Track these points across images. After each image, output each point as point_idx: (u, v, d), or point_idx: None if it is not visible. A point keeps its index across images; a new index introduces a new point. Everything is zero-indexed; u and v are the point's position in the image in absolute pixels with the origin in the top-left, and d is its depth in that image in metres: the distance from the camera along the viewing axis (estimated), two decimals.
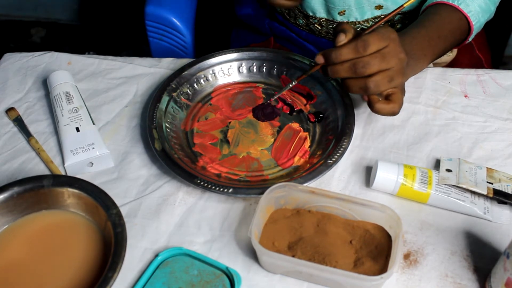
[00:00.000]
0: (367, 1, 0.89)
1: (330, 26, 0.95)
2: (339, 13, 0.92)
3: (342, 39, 0.68)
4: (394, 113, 0.71)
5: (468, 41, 0.85)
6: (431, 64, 0.90)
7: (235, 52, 0.85)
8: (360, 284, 0.59)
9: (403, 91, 0.72)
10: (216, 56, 0.85)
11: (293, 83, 0.79)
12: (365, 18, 0.92)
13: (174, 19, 1.06)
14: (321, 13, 0.94)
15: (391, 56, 0.67)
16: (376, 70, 0.67)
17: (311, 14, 0.95)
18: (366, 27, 0.93)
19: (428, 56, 0.80)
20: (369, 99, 0.71)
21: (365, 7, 0.90)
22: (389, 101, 0.70)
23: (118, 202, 0.63)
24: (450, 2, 0.82)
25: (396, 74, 0.68)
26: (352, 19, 0.92)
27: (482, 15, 0.83)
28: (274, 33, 1.04)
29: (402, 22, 0.95)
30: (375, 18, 0.93)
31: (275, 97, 0.81)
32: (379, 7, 0.91)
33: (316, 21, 0.96)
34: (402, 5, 0.69)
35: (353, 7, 0.90)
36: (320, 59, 0.71)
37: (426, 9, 0.84)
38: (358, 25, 0.93)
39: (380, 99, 0.71)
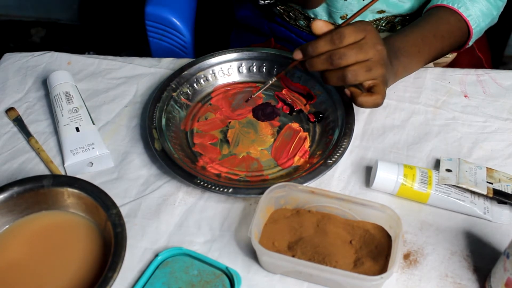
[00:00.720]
0: (369, 8, 0.90)
1: None
2: (340, 17, 0.92)
3: (320, 24, 0.68)
4: (377, 105, 0.71)
5: (468, 45, 0.85)
6: (431, 64, 0.91)
7: (235, 52, 0.85)
8: (360, 284, 0.59)
9: (384, 83, 0.72)
10: (216, 56, 0.85)
11: (273, 79, 0.80)
12: (367, 20, 0.92)
13: (174, 19, 1.06)
14: (322, 16, 0.94)
15: (368, 47, 0.67)
16: (353, 61, 0.67)
17: (312, 16, 0.95)
18: None
19: (423, 54, 0.79)
20: (351, 93, 0.71)
21: (367, 11, 0.91)
22: (371, 93, 0.70)
23: (118, 202, 0.63)
24: (450, 5, 0.82)
25: (374, 64, 0.68)
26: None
27: (483, 19, 0.83)
28: (274, 34, 1.04)
29: (402, 24, 0.95)
30: (376, 20, 0.93)
31: (256, 94, 0.81)
32: (381, 11, 0.91)
33: None
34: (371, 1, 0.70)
35: (355, 11, 0.90)
36: (298, 54, 0.71)
37: (426, 12, 0.84)
38: None
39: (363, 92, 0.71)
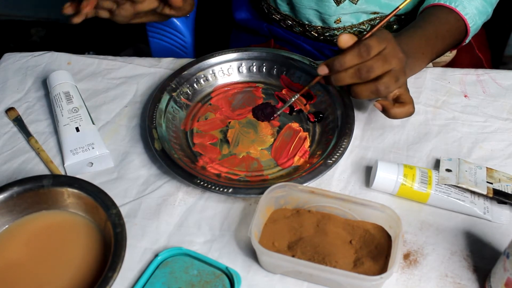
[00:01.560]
0: (363, 10, 0.90)
1: (327, 34, 0.96)
2: (334, 22, 0.92)
3: (346, 38, 0.68)
4: (411, 113, 0.72)
5: (465, 43, 0.85)
6: (431, 64, 0.91)
7: (235, 52, 0.85)
8: (360, 284, 0.59)
9: (407, 89, 0.72)
10: (216, 56, 0.85)
11: (296, 96, 0.79)
12: (361, 21, 0.92)
13: (174, 19, 1.05)
14: (316, 22, 0.94)
15: (391, 57, 0.67)
16: (380, 72, 0.67)
17: (306, 23, 0.96)
18: (362, 29, 0.94)
19: (427, 55, 0.80)
20: (383, 107, 0.71)
21: (360, 13, 0.91)
22: (402, 104, 0.71)
23: (118, 202, 0.63)
24: (447, 4, 0.82)
25: (399, 73, 0.68)
26: (348, 24, 0.93)
27: (479, 17, 0.84)
28: (273, 35, 1.04)
29: (398, 24, 0.95)
30: (370, 20, 0.93)
31: (279, 112, 0.80)
32: (374, 12, 0.92)
33: (312, 29, 0.96)
34: (398, 7, 0.70)
35: (348, 15, 0.91)
36: (323, 69, 0.70)
37: (423, 11, 0.84)
38: (354, 28, 0.94)
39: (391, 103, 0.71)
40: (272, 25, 1.03)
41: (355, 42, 0.68)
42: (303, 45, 1.00)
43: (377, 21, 0.93)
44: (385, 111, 0.71)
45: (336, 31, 0.95)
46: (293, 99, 0.79)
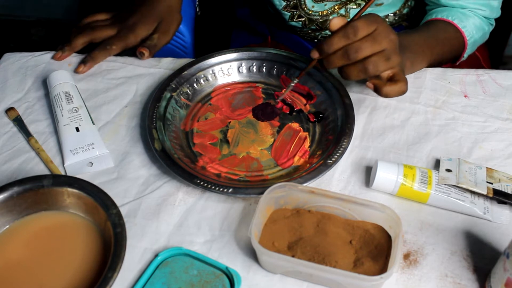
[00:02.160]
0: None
1: (320, 37, 0.98)
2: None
3: (336, 21, 0.68)
4: (403, 92, 0.71)
5: (463, 57, 0.88)
6: None
7: (235, 52, 0.85)
8: (360, 284, 0.59)
9: (402, 70, 0.72)
10: (216, 56, 0.85)
11: (294, 81, 0.79)
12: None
13: None
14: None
15: (382, 38, 0.67)
16: (369, 52, 0.67)
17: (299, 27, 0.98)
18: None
19: (426, 55, 0.81)
20: (375, 86, 0.71)
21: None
22: (395, 82, 0.70)
23: (118, 202, 0.63)
24: (445, 17, 0.86)
25: (391, 53, 0.68)
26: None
27: (476, 31, 0.87)
28: (271, 32, 1.04)
29: (397, 23, 0.97)
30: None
31: (281, 97, 0.81)
32: (379, 4, 0.93)
33: (308, 28, 0.99)
34: None
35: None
36: (315, 53, 0.71)
37: (423, 24, 0.88)
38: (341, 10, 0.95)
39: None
40: (271, 21, 1.04)
41: (344, 25, 0.68)
42: (301, 41, 1.01)
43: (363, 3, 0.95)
44: (376, 90, 0.71)
45: (328, 31, 0.96)
46: (292, 85, 0.79)
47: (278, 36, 1.05)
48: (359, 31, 0.66)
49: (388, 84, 0.70)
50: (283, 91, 0.82)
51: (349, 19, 0.74)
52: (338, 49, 0.67)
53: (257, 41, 1.08)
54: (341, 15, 0.94)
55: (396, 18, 0.97)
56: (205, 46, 1.11)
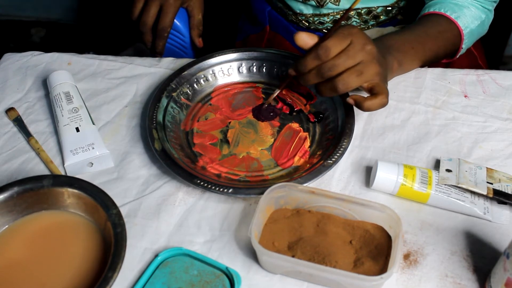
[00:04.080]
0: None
1: (316, 20, 0.98)
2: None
3: (303, 37, 0.69)
4: (384, 104, 0.70)
5: (462, 50, 0.86)
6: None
7: (235, 52, 0.85)
8: (360, 284, 0.59)
9: (383, 80, 0.71)
10: (216, 56, 0.85)
11: (276, 92, 0.80)
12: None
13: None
14: (308, 11, 0.97)
15: (355, 51, 0.67)
16: (342, 69, 0.67)
17: (298, 11, 0.98)
18: (351, 16, 0.96)
19: (418, 51, 0.80)
20: (355, 102, 0.71)
21: (345, 1, 0.93)
22: (374, 95, 0.70)
23: (118, 202, 0.63)
24: (437, 11, 0.84)
25: (366, 66, 0.68)
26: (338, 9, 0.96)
27: (471, 21, 0.85)
28: (271, 21, 1.05)
29: (386, 14, 0.97)
30: (356, 8, 0.95)
31: (266, 104, 0.81)
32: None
33: (303, 17, 0.99)
34: (354, 2, 0.70)
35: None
36: (291, 71, 0.73)
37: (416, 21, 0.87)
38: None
39: (366, 96, 0.71)
40: (273, 10, 1.05)
41: (317, 42, 0.68)
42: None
43: (364, 10, 0.95)
44: (358, 105, 0.71)
45: (326, 17, 0.96)
46: (275, 94, 0.80)
47: (276, 26, 1.05)
48: (331, 51, 0.66)
49: (368, 99, 0.70)
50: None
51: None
52: (312, 69, 0.68)
53: (257, 31, 1.08)
54: None
55: (394, 12, 0.97)
56: (205, 46, 1.11)
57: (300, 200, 0.66)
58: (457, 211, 0.67)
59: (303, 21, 0.99)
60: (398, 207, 0.68)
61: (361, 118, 0.79)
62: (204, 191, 0.71)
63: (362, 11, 0.95)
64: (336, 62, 0.67)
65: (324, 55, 0.66)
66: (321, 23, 0.98)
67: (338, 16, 0.96)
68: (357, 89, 0.72)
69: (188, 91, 0.83)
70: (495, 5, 0.89)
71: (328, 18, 0.96)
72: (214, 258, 0.64)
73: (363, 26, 0.97)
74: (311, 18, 0.98)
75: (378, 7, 0.95)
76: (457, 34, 0.84)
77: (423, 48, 0.81)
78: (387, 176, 0.68)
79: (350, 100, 0.72)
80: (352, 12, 0.95)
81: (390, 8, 0.96)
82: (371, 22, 0.97)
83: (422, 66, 0.84)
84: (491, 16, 0.89)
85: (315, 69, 0.68)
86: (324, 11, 0.95)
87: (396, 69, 0.78)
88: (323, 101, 0.80)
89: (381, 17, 0.97)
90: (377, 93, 0.69)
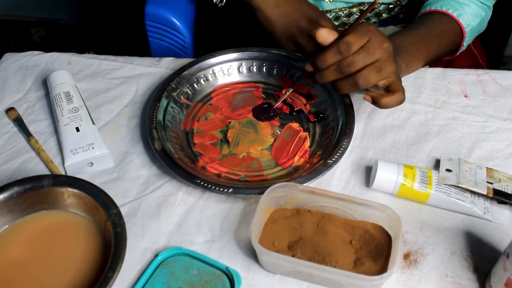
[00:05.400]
0: None
1: None
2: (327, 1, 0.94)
3: (324, 34, 0.68)
4: (401, 102, 0.71)
5: (463, 46, 0.86)
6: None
7: (235, 52, 0.85)
8: (360, 284, 0.59)
9: (399, 78, 0.72)
10: (216, 56, 0.85)
11: (289, 90, 0.80)
12: (351, 4, 0.94)
13: (174, 19, 1.05)
14: None
15: (374, 48, 0.67)
16: (362, 65, 0.67)
17: None
18: (353, 12, 0.96)
19: (423, 52, 0.80)
20: (372, 98, 0.71)
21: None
22: (392, 92, 0.70)
23: (118, 202, 0.63)
24: (439, 8, 0.84)
25: (384, 64, 0.68)
26: (339, 6, 0.95)
27: (472, 18, 0.85)
28: None
29: (388, 12, 0.97)
30: (360, 4, 0.95)
31: (277, 104, 0.81)
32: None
33: None
34: (375, 1, 0.70)
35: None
36: (308, 67, 0.72)
37: (417, 19, 0.87)
38: (345, 11, 0.95)
39: (382, 93, 0.71)
40: None
41: (336, 38, 0.68)
42: None
43: (366, 6, 0.95)
44: (374, 102, 0.71)
45: (328, 14, 0.96)
46: (287, 93, 0.80)
47: None
48: (352, 46, 0.66)
49: (385, 96, 0.70)
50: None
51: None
52: (331, 64, 0.68)
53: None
54: None
55: (396, 10, 0.97)
56: (205, 46, 1.11)
57: (300, 200, 0.66)
58: (457, 211, 0.67)
59: None
60: (398, 207, 0.68)
61: (361, 118, 0.79)
62: (204, 191, 0.71)
63: (365, 8, 0.95)
64: (356, 58, 0.66)
65: (346, 50, 0.66)
66: None
67: (341, 13, 0.96)
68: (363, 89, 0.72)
69: (188, 91, 0.83)
70: (494, 2, 0.89)
71: (330, 15, 0.96)
72: (214, 258, 0.64)
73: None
74: None
75: (380, 4, 0.95)
76: (459, 32, 0.85)
77: (427, 49, 0.81)
78: (387, 176, 0.68)
79: (366, 97, 0.71)
80: (354, 9, 0.95)
81: (392, 6, 0.96)
82: (373, 20, 0.97)
83: (425, 66, 0.84)
84: (490, 13, 0.89)
85: (334, 65, 0.68)
86: (326, 7, 0.95)
87: (404, 70, 0.79)
88: (323, 101, 0.80)
89: (383, 15, 0.97)
90: (394, 90, 0.70)
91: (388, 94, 0.70)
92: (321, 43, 0.69)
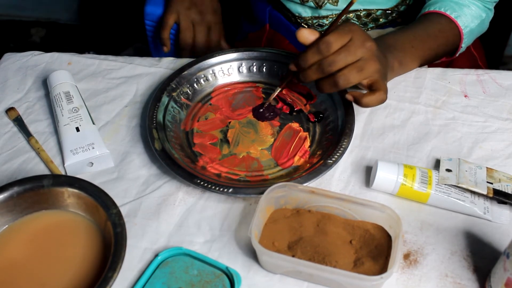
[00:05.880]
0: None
1: (315, 23, 0.98)
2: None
3: (305, 34, 0.69)
4: (382, 101, 0.70)
5: (461, 48, 0.86)
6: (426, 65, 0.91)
7: (235, 52, 0.85)
8: (360, 284, 0.59)
9: (382, 77, 0.71)
10: (216, 56, 0.85)
11: (277, 90, 0.80)
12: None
13: None
14: (308, 13, 0.96)
15: (356, 47, 0.67)
16: (343, 64, 0.67)
17: (296, 14, 0.98)
18: (350, 18, 0.96)
19: (418, 50, 0.80)
20: (354, 98, 0.71)
21: (344, 2, 0.93)
22: (373, 91, 0.70)
23: (118, 202, 0.63)
24: (437, 10, 0.84)
25: (366, 63, 0.68)
26: (335, 12, 0.95)
27: (471, 20, 0.85)
28: (271, 20, 1.05)
29: (385, 17, 0.97)
30: (356, 11, 0.95)
31: (266, 104, 0.81)
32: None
33: (302, 20, 0.99)
34: (351, 1, 0.70)
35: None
36: (292, 67, 0.72)
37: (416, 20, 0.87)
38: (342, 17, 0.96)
39: (364, 92, 0.71)
40: (274, 9, 1.05)
41: (318, 38, 0.68)
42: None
43: (364, 12, 0.95)
44: (356, 101, 0.71)
45: (325, 20, 0.96)
46: (276, 92, 0.80)
47: (277, 25, 1.05)
48: (332, 46, 0.66)
49: (366, 95, 0.70)
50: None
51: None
52: (313, 64, 0.68)
53: (255, 29, 1.08)
54: None
55: (393, 15, 0.97)
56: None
57: (300, 200, 0.66)
58: (457, 211, 0.68)
59: (303, 24, 0.99)
60: (398, 207, 0.68)
61: (361, 118, 0.79)
62: (204, 191, 0.71)
63: (362, 14, 0.95)
64: (337, 58, 0.67)
65: (325, 49, 0.66)
66: (320, 25, 0.98)
67: None
68: (355, 86, 0.72)
69: (188, 91, 0.83)
70: (495, 3, 0.89)
71: (327, 21, 0.96)
72: (214, 258, 0.64)
73: (362, 29, 0.98)
74: (310, 21, 0.98)
75: (377, 10, 0.95)
76: (457, 33, 0.85)
77: (423, 47, 0.81)
78: (387, 176, 0.68)
79: (349, 97, 0.72)
80: (351, 15, 0.95)
81: (389, 11, 0.96)
82: (370, 25, 0.97)
83: (421, 65, 0.84)
84: (491, 14, 0.89)
85: (315, 64, 0.68)
86: (323, 13, 0.95)
87: (397, 68, 0.79)
88: (323, 101, 0.80)
89: (381, 20, 0.97)
90: (376, 89, 0.70)
91: (369, 93, 0.70)
92: (302, 43, 0.70)
